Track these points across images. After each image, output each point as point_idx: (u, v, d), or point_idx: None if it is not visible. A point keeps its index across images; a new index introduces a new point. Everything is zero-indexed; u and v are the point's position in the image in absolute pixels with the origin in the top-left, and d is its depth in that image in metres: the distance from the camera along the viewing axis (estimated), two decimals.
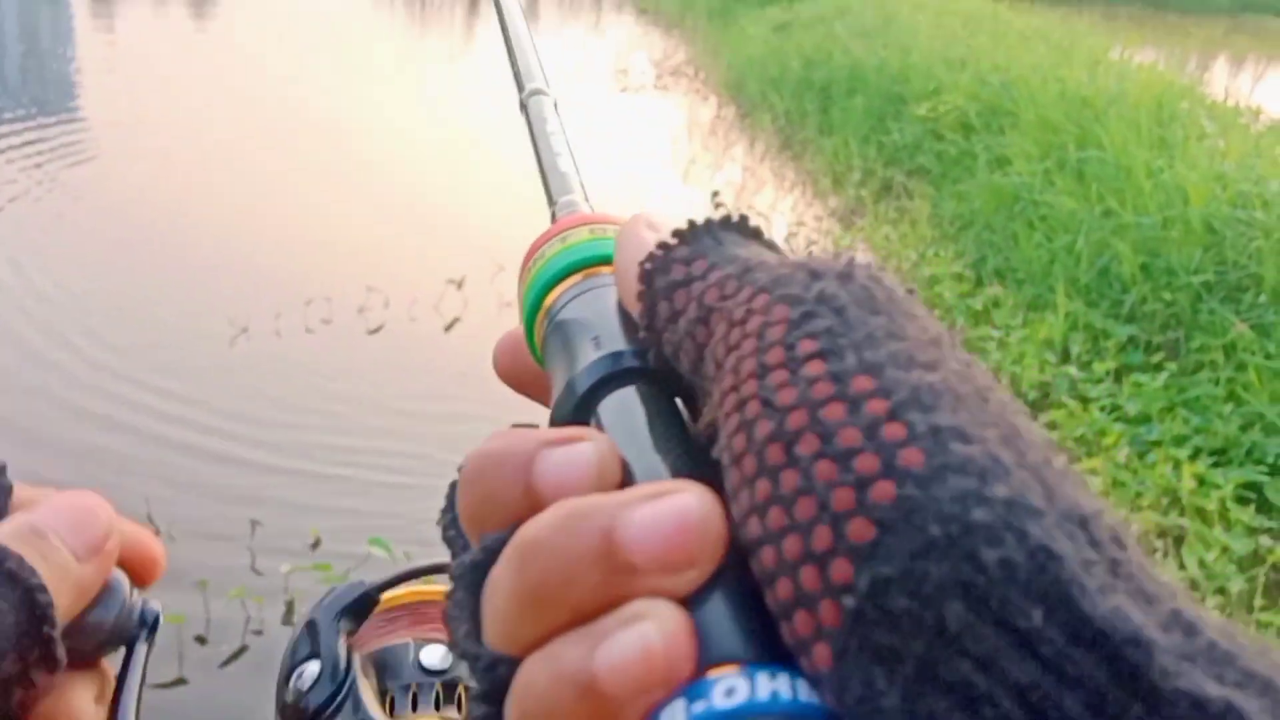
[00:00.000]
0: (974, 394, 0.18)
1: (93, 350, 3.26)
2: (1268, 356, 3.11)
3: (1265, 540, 2.67)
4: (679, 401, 0.24)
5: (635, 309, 0.24)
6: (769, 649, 0.17)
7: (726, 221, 0.24)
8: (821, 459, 0.17)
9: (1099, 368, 3.38)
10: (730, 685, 0.16)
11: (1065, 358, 3.53)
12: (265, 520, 2.45)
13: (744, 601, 0.18)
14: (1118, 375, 3.39)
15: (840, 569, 0.16)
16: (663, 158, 5.84)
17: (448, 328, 3.58)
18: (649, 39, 9.76)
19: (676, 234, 0.24)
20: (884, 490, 0.16)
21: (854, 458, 0.17)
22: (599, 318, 0.26)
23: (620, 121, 6.80)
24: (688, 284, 0.23)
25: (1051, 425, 3.12)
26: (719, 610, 0.18)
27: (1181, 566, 2.60)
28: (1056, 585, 0.15)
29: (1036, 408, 3.27)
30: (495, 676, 0.18)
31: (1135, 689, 0.15)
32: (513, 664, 0.18)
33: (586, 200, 0.34)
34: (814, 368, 0.19)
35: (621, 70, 8.02)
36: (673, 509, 0.18)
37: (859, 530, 0.16)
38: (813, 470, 0.17)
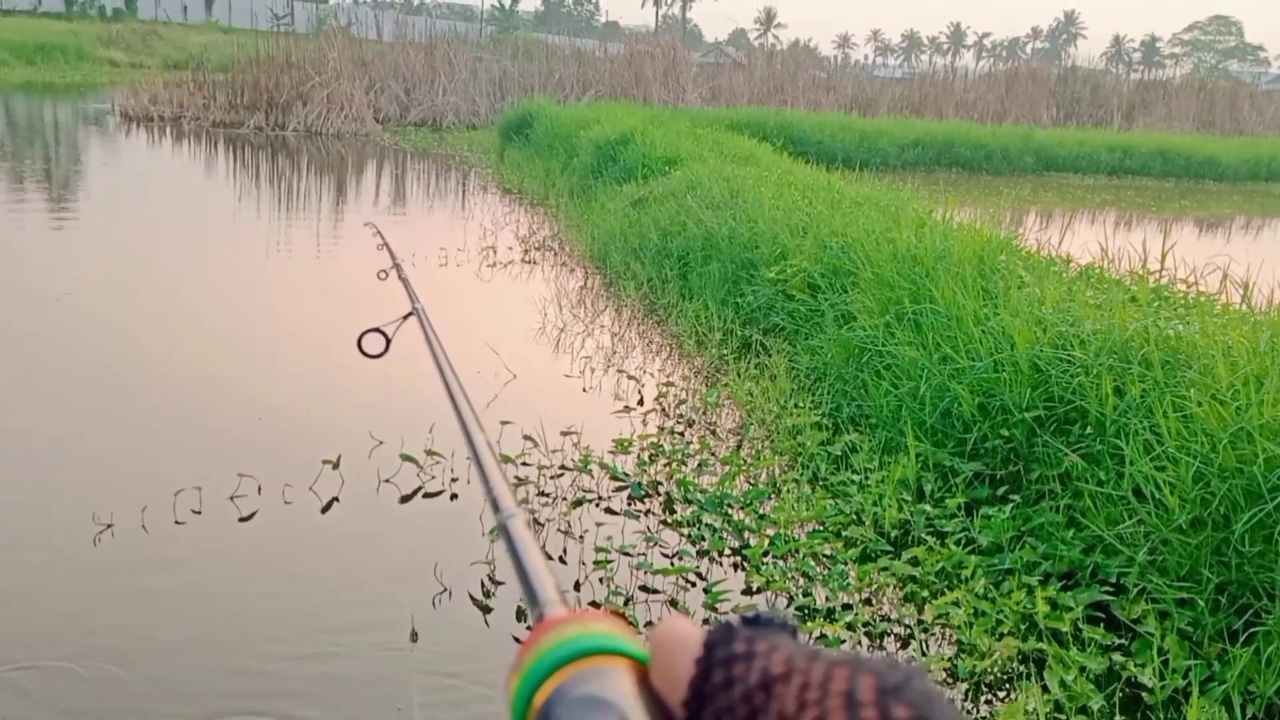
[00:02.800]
0: None
1: None
2: (1100, 483, 3.35)
3: (1118, 657, 2.83)
4: None
5: (675, 684, 0.28)
6: None
7: (776, 619, 0.28)
8: None
9: (951, 503, 3.57)
10: None
11: (920, 496, 3.73)
12: None
13: None
14: (968, 509, 3.59)
15: None
16: (535, 327, 6.00)
17: (324, 509, 3.56)
18: (514, 216, 10.10)
19: (741, 619, 0.28)
20: None
21: None
22: (620, 698, 0.28)
23: (491, 296, 6.99)
24: (749, 657, 0.26)
25: (914, 562, 3.28)
26: None
27: (1045, 689, 2.73)
28: None
29: (899, 546, 3.43)
30: None
31: None
32: None
33: (564, 603, 0.38)
34: None
35: (489, 247, 8.26)
36: None
37: None
38: None
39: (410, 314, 1.26)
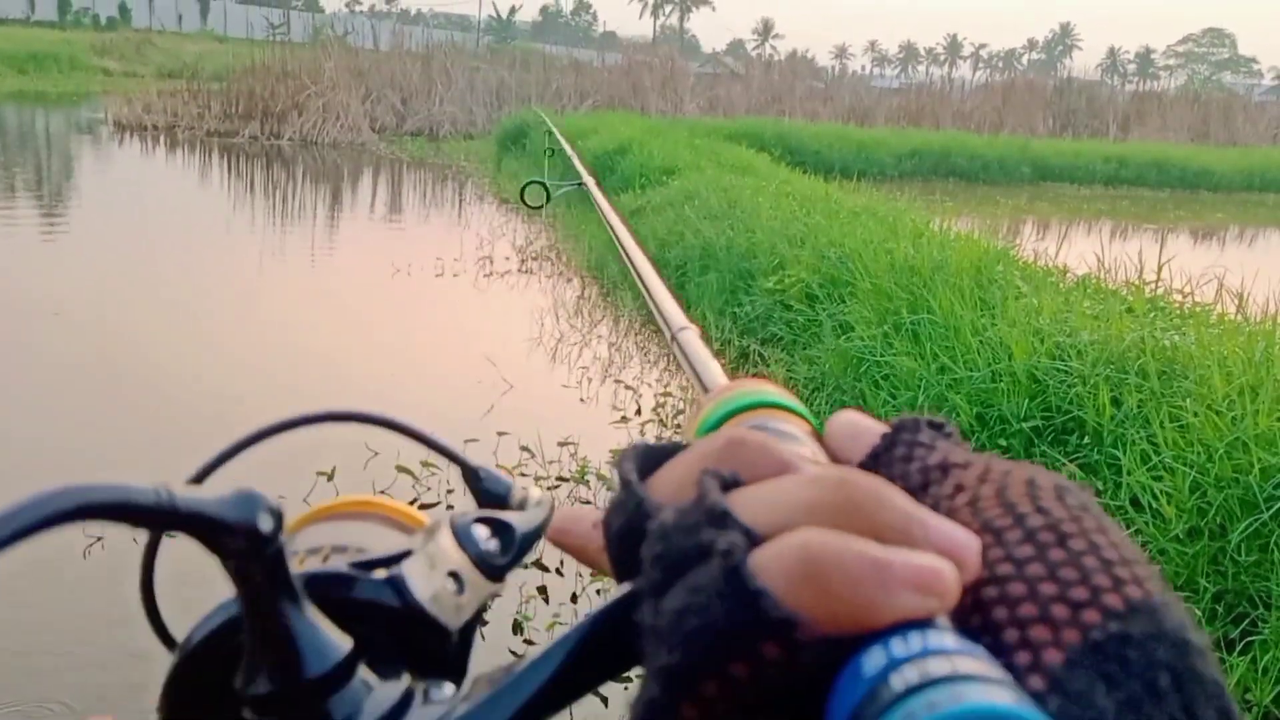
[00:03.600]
0: None
1: None
2: (1097, 493, 3.35)
3: None
4: None
5: (852, 451, 0.29)
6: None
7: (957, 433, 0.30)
8: (1089, 554, 0.23)
9: None
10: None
11: None
12: None
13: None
14: None
15: (1091, 616, 0.21)
16: (532, 337, 6.00)
17: None
18: (511, 226, 10.11)
19: (927, 419, 0.29)
20: (1135, 590, 0.22)
21: (1115, 566, 0.22)
22: (806, 438, 0.31)
23: (489, 305, 6.99)
24: (931, 447, 0.28)
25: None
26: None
27: None
28: (1225, 706, 0.21)
29: None
30: (743, 541, 0.22)
31: None
32: (758, 539, 0.22)
33: None
34: (1083, 512, 0.24)
35: (486, 257, 8.26)
36: (964, 530, 0.23)
37: (1113, 601, 0.22)
38: (1082, 558, 0.22)
39: (580, 183, 1.37)
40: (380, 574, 0.35)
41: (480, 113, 21.58)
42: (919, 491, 0.26)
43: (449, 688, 0.34)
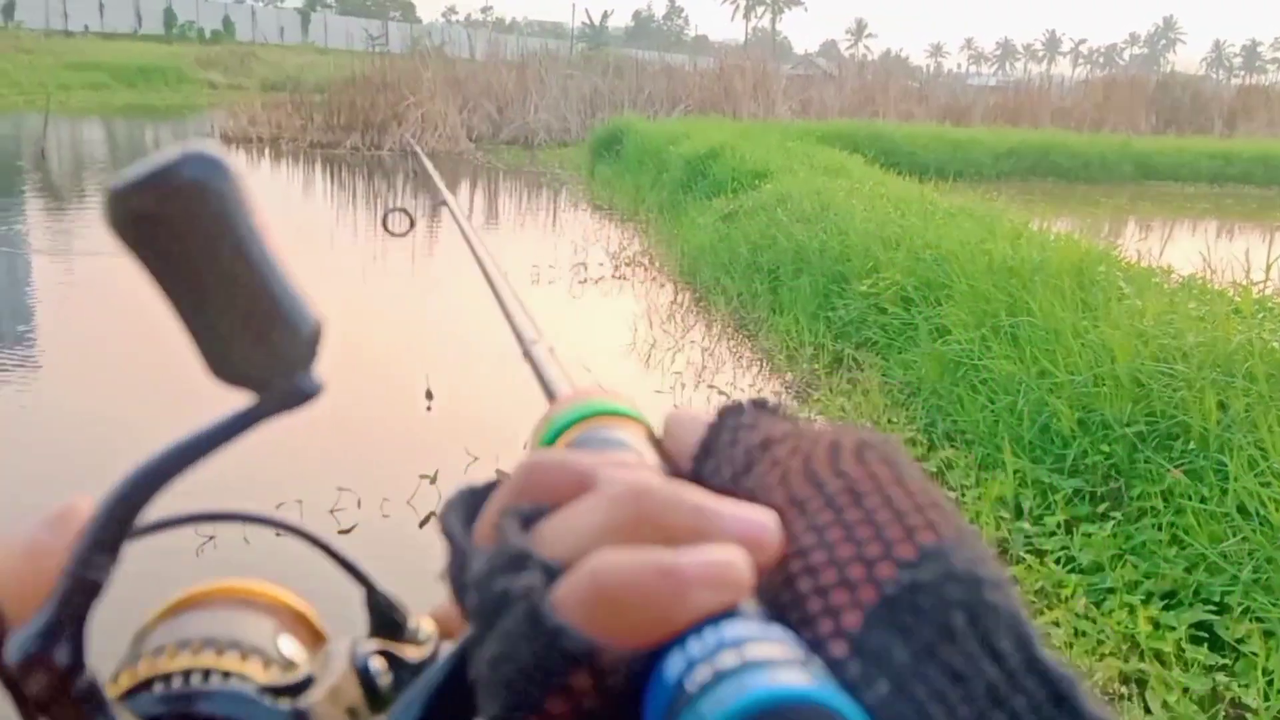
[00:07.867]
0: None
1: None
2: (1202, 500, 3.27)
3: (1221, 678, 2.77)
4: None
5: (685, 446, 0.30)
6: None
7: (783, 407, 0.31)
8: (883, 508, 0.24)
9: (1050, 521, 3.52)
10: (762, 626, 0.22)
11: (1018, 513, 3.68)
12: None
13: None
14: (1068, 527, 3.53)
15: (885, 569, 0.22)
16: (625, 343, 6.07)
17: (422, 523, 3.66)
18: (605, 232, 10.21)
19: (750, 401, 0.30)
20: (928, 535, 0.23)
21: (908, 515, 0.23)
22: (637, 443, 0.32)
23: (582, 311, 7.10)
24: (754, 426, 0.29)
25: (1013, 581, 3.24)
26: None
27: (1147, 711, 2.69)
28: (1023, 633, 0.21)
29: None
30: (543, 576, 0.23)
31: (1063, 709, 0.20)
32: (558, 572, 0.23)
33: None
34: (880, 466, 0.25)
35: (580, 263, 8.38)
36: (761, 511, 0.24)
37: (905, 551, 0.23)
38: (876, 513, 0.24)
39: (441, 202, 1.27)
40: (284, 705, 0.34)
41: (574, 120, 21.79)
42: (743, 474, 0.27)
43: None
